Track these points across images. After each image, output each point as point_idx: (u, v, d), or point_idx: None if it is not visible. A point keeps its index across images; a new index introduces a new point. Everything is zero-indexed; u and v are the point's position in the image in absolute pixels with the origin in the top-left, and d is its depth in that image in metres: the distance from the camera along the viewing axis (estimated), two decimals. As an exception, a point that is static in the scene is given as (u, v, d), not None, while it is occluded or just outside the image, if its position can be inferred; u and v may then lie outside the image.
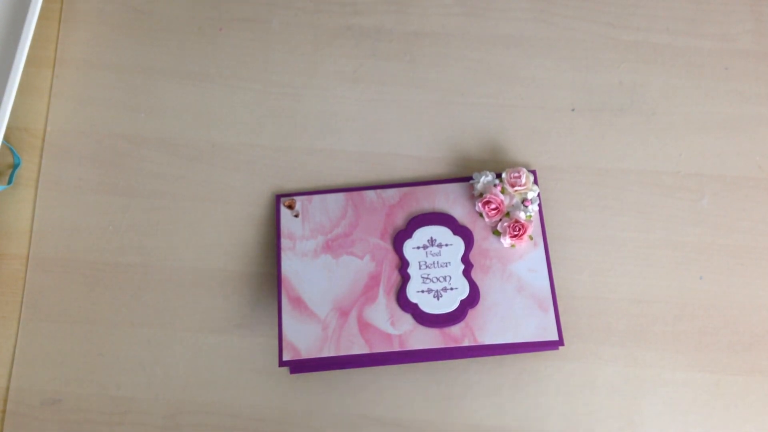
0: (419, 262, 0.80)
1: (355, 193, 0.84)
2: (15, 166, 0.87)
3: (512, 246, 0.81)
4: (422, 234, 0.82)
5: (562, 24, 0.91)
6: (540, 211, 0.82)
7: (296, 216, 0.84)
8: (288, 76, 0.90)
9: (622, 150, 0.86)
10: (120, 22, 0.92)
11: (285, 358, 0.78)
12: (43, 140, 0.88)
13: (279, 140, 0.88)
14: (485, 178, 0.82)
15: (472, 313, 0.78)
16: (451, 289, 0.79)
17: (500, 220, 0.81)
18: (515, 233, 0.79)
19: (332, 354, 0.78)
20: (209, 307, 0.82)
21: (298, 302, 0.80)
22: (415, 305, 0.79)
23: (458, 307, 0.78)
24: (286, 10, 0.92)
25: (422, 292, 0.79)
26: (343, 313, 0.79)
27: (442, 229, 0.82)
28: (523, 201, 0.80)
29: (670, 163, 0.86)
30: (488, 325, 0.78)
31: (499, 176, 0.82)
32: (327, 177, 0.87)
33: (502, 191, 0.81)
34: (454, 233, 0.81)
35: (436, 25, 0.91)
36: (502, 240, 0.81)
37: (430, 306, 0.79)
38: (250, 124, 0.89)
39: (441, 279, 0.80)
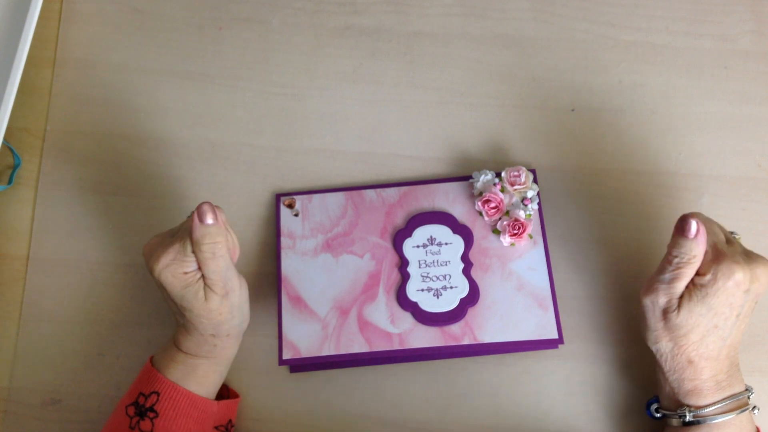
0: (419, 261, 0.80)
1: (354, 192, 0.84)
2: (15, 166, 0.87)
3: (512, 244, 0.81)
4: (422, 233, 0.82)
5: (562, 24, 0.91)
6: (540, 209, 0.82)
7: (296, 215, 0.84)
8: (288, 76, 0.90)
9: (622, 150, 0.86)
10: (120, 22, 0.93)
11: (285, 357, 0.78)
12: (43, 140, 0.88)
13: (279, 140, 0.88)
14: (485, 177, 0.82)
15: (471, 312, 0.78)
16: (451, 287, 0.79)
17: (500, 218, 0.81)
18: (515, 232, 0.79)
19: (332, 353, 0.78)
20: (209, 306, 0.82)
21: (298, 301, 0.80)
22: (415, 304, 0.79)
23: (458, 305, 0.78)
24: (286, 9, 0.93)
25: (422, 290, 0.79)
26: (343, 312, 0.79)
27: (442, 227, 0.82)
28: (523, 200, 0.80)
29: (670, 162, 0.86)
30: (488, 324, 0.78)
31: (498, 175, 0.82)
32: (327, 177, 0.87)
33: (502, 190, 0.81)
34: (454, 232, 0.81)
35: (436, 25, 0.92)
36: (501, 239, 0.81)
37: (429, 304, 0.79)
38: (250, 124, 0.89)
39: (441, 278, 0.80)
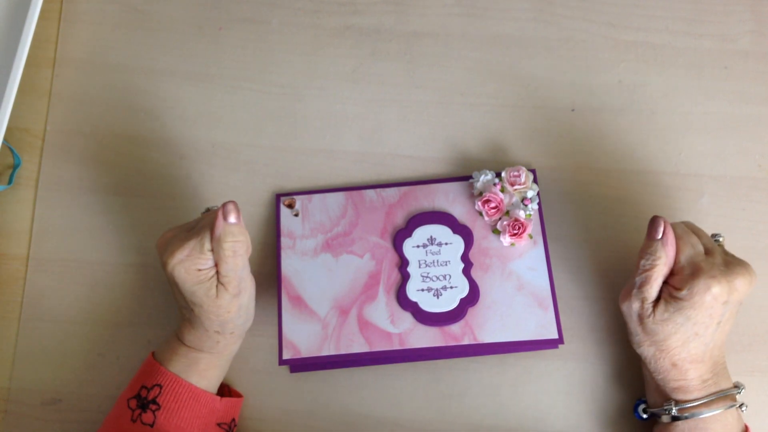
0: (419, 261, 0.80)
1: (355, 192, 0.84)
2: (15, 166, 0.87)
3: (512, 244, 0.81)
4: (422, 233, 0.82)
5: (562, 24, 0.91)
6: (540, 209, 0.82)
7: (296, 215, 0.84)
8: (288, 76, 0.90)
9: (622, 150, 0.86)
10: (120, 22, 0.93)
11: (285, 356, 0.78)
12: (43, 140, 0.88)
13: (279, 140, 0.88)
14: (485, 177, 0.82)
15: (471, 312, 0.78)
16: (451, 287, 0.79)
17: (500, 218, 0.81)
18: (515, 232, 0.79)
19: (332, 353, 0.78)
20: (209, 306, 0.82)
21: (298, 301, 0.80)
22: (415, 304, 0.79)
23: (458, 305, 0.78)
24: (286, 10, 0.93)
25: (422, 290, 0.79)
26: (343, 312, 0.79)
27: (442, 227, 0.82)
28: (523, 200, 0.80)
29: (670, 162, 0.86)
30: (488, 324, 0.78)
31: (498, 175, 0.82)
32: (327, 177, 0.87)
33: (502, 190, 0.81)
34: (454, 232, 0.81)
35: (436, 25, 0.92)
36: (501, 239, 0.81)
37: (429, 304, 0.79)
38: (250, 124, 0.89)
39: (441, 277, 0.80)
